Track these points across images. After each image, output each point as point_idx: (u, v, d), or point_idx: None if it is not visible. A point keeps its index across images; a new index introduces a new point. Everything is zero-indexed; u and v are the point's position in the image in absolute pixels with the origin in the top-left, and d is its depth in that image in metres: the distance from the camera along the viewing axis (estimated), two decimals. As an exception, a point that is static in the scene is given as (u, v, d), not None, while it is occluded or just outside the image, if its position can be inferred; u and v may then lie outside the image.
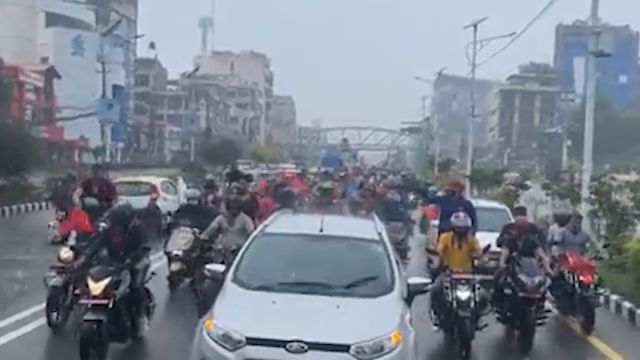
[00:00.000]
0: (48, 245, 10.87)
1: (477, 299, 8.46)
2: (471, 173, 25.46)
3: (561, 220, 11.39)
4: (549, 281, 9.50)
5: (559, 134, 62.05)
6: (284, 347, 5.58)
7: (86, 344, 7.00)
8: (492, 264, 9.65)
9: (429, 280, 7.31)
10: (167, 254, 10.79)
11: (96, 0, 69.38)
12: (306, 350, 5.57)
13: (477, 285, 8.55)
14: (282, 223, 7.78)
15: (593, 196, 13.44)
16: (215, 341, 5.82)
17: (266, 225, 7.51)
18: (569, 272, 10.31)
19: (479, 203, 14.08)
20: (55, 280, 8.51)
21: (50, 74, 48.19)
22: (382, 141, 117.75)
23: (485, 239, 10.10)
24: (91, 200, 10.30)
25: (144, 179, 18.44)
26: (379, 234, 7.20)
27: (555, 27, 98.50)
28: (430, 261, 10.54)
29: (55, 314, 8.42)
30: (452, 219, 8.98)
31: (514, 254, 9.45)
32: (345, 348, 5.61)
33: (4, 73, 35.87)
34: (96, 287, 7.31)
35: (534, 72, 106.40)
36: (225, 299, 6.39)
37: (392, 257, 6.86)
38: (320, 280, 6.46)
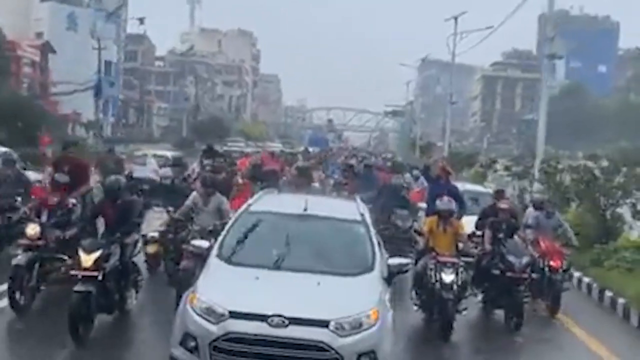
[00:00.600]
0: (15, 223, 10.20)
1: (460, 282, 8.64)
2: (448, 155, 27.70)
3: (536, 205, 11.75)
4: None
5: (535, 120, 64.14)
6: (266, 321, 5.75)
7: (75, 314, 7.07)
8: (475, 250, 9.77)
9: (408, 261, 7.37)
10: (143, 236, 10.03)
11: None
12: (287, 325, 5.74)
13: (461, 270, 8.72)
14: (267, 202, 7.94)
15: (542, 177, 15.42)
16: (198, 315, 5.96)
17: (250, 204, 7.69)
18: (539, 256, 10.50)
19: (466, 187, 14.45)
20: (20, 258, 8.09)
21: (46, 48, 49.44)
22: (366, 123, 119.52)
23: (473, 222, 10.54)
24: (62, 177, 9.57)
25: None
26: (361, 214, 7.43)
27: (537, 16, 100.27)
28: (415, 242, 10.63)
29: (19, 295, 7.92)
30: (437, 202, 9.21)
31: (500, 235, 9.66)
32: (324, 323, 5.78)
33: (4, 47, 37.23)
34: (87, 259, 7.38)
35: (517, 59, 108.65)
36: (209, 274, 6.56)
37: (373, 237, 7.07)
38: (303, 258, 6.65)
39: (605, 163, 14.89)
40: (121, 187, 8.55)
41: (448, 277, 8.49)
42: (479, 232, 10.39)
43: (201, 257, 7.10)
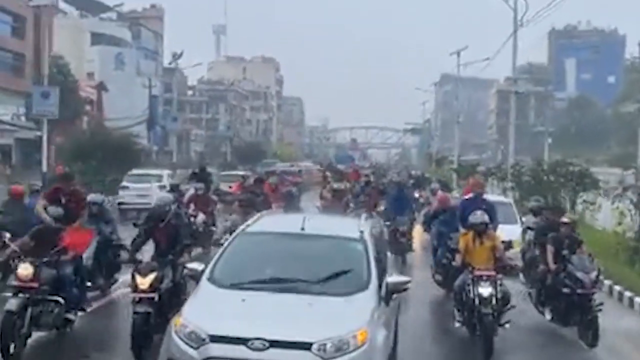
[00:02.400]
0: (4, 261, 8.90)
1: (499, 295, 8.55)
2: (457, 167, 33.27)
3: (536, 211, 12.59)
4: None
5: (542, 132, 69.35)
6: (246, 344, 5.67)
7: (137, 335, 7.37)
8: (513, 261, 9.82)
9: (408, 279, 7.16)
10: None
11: (127, 18, 77.14)
12: (267, 348, 5.63)
13: (499, 282, 8.66)
14: (265, 222, 7.86)
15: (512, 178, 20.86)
16: (181, 339, 5.92)
17: (249, 225, 7.60)
18: (539, 255, 10.53)
19: (487, 197, 15.13)
20: (11, 302, 7.53)
21: (100, 88, 55.60)
22: (388, 140, 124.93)
23: (509, 231, 11.42)
24: (57, 210, 8.84)
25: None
26: (361, 232, 7.20)
27: (547, 32, 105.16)
28: (447, 257, 10.94)
29: (11, 343, 7.37)
30: (470, 217, 9.25)
31: (565, 252, 9.51)
32: (307, 346, 5.66)
33: (74, 89, 43.33)
34: (144, 282, 7.69)
35: (531, 73, 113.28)
36: (197, 297, 6.54)
37: (370, 255, 6.88)
38: (295, 278, 6.54)
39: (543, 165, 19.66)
40: (170, 210, 8.76)
41: (486, 290, 8.45)
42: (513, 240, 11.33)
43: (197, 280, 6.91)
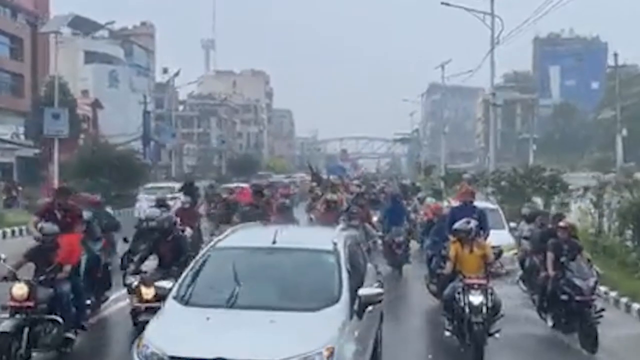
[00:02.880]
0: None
1: (490, 304, 8.43)
2: (444, 175, 34.85)
3: (529, 218, 12.67)
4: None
5: (527, 139, 71.13)
6: None
7: None
8: (503, 270, 9.70)
9: (381, 291, 6.98)
10: (128, 285, 9.54)
11: (119, 36, 78.50)
12: None
13: (490, 291, 8.54)
14: (237, 236, 7.65)
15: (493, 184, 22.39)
16: None
17: (219, 240, 7.47)
18: (539, 263, 10.66)
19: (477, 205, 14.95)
20: (6, 324, 7.42)
21: (95, 105, 56.90)
22: (377, 150, 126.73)
23: (497, 237, 11.47)
24: (52, 227, 8.50)
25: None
26: (334, 244, 6.99)
27: (532, 40, 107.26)
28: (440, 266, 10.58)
29: None
30: (456, 224, 9.16)
31: (562, 258, 9.46)
32: None
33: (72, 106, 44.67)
34: (148, 292, 8.02)
35: (516, 81, 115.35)
36: (161, 316, 6.35)
37: (343, 268, 6.70)
38: (263, 294, 6.41)
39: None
40: (171, 224, 9.09)
41: (476, 299, 8.35)
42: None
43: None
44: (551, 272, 9.53)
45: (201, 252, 7.34)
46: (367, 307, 6.53)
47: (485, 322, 8.29)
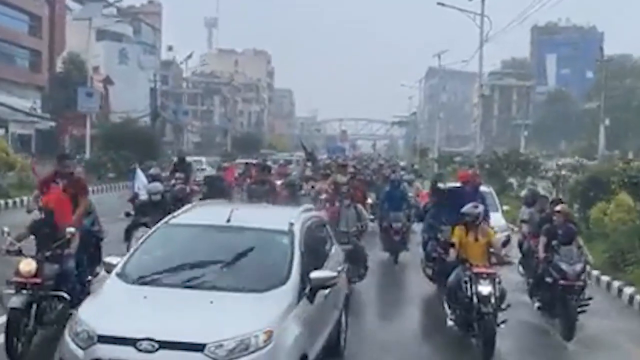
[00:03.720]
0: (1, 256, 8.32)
1: (498, 294, 8.21)
2: (437, 157, 37.62)
3: (529, 201, 12.76)
4: (587, 267, 9.43)
5: (522, 124, 73.83)
6: (134, 345, 5.27)
7: None
8: (509, 257, 9.31)
9: (333, 274, 6.70)
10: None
11: (127, 13, 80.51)
12: (156, 350, 5.24)
13: (498, 280, 8.31)
14: (192, 214, 7.41)
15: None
16: (71, 339, 5.57)
17: (174, 216, 7.20)
18: (535, 246, 10.61)
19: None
20: (15, 300, 7.27)
21: (107, 81, 59.24)
22: (376, 131, 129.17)
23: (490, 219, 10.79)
24: None
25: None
26: (290, 224, 6.76)
27: (530, 29, 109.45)
28: (436, 250, 10.53)
29: (17, 342, 7.13)
30: (464, 208, 8.78)
31: (554, 242, 9.38)
32: (199, 347, 5.25)
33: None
34: None
35: (514, 68, 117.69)
36: (99, 293, 6.18)
37: (296, 249, 6.48)
38: (208, 274, 6.12)
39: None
40: (186, 194, 9.48)
41: (485, 289, 8.05)
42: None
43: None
44: (541, 255, 9.51)
45: (152, 229, 7.05)
46: (318, 290, 6.31)
47: (494, 312, 8.06)
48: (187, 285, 6.01)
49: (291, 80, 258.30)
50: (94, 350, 5.43)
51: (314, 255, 6.91)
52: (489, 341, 7.98)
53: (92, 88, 35.05)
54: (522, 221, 12.68)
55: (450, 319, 8.62)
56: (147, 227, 9.99)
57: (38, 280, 7.44)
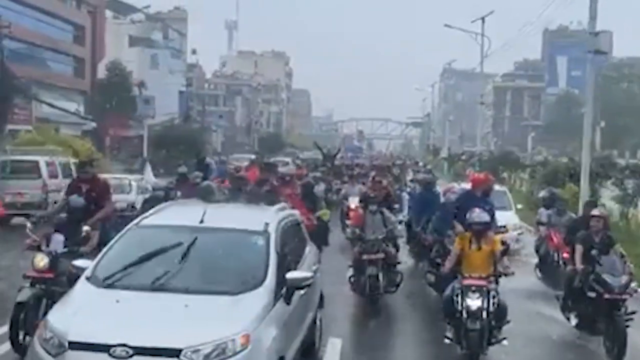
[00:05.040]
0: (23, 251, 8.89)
1: (492, 308, 7.61)
2: (447, 156, 41.77)
3: (547, 202, 12.65)
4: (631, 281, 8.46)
5: (531, 126, 77.51)
6: (108, 352, 5.14)
7: None
8: (510, 269, 8.32)
9: (309, 275, 6.60)
10: None
11: (155, 19, 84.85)
12: (131, 356, 5.12)
13: (493, 293, 7.69)
14: (164, 214, 7.20)
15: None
16: (41, 345, 5.41)
17: (145, 217, 7.02)
18: (553, 250, 11.07)
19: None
20: (24, 294, 7.45)
21: (141, 86, 63.63)
22: (392, 132, 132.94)
23: (502, 217, 11.34)
24: (77, 200, 8.63)
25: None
26: (266, 224, 6.62)
27: (542, 32, 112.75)
28: (441, 256, 9.90)
29: (22, 335, 7.26)
30: (469, 215, 8.20)
31: (593, 252, 8.59)
32: (175, 353, 5.14)
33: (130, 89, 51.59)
34: None
35: (526, 69, 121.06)
36: (69, 298, 5.97)
37: (272, 250, 6.34)
38: (182, 277, 5.95)
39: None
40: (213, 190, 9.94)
41: (474, 303, 7.53)
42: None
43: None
44: (579, 266, 8.67)
45: (123, 230, 6.84)
46: (294, 291, 6.24)
47: (483, 329, 7.52)
48: (160, 288, 5.85)
49: (308, 80, 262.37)
50: (65, 357, 5.25)
51: (290, 255, 6.79)
52: (472, 359, 7.59)
53: (150, 95, 39.34)
54: (539, 223, 12.39)
55: (447, 337, 8.00)
56: None
57: (51, 275, 7.64)
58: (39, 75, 41.58)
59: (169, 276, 5.98)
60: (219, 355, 5.27)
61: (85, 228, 8.24)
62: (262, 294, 5.92)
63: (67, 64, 52.85)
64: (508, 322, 8.02)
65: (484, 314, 7.62)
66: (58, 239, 8.07)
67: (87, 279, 6.15)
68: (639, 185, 18.16)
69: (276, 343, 5.74)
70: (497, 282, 8.17)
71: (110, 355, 5.18)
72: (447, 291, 8.12)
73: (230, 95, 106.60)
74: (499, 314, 7.83)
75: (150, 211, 7.31)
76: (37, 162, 19.48)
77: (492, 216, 8.96)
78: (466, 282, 7.84)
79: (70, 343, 5.30)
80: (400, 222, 13.29)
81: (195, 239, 6.35)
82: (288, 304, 6.21)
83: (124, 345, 5.19)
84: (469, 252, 8.13)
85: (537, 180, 23.40)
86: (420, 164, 37.58)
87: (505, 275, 8.28)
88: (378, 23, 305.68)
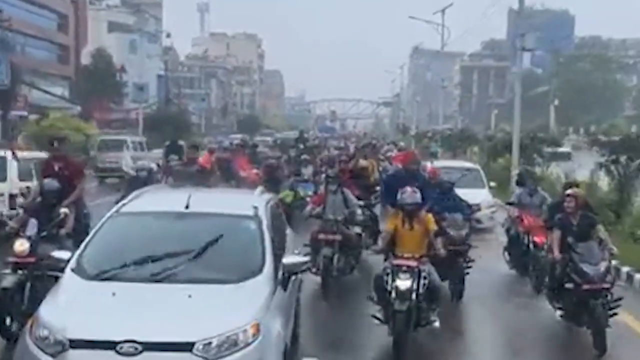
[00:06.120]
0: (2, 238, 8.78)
1: (422, 290, 7.35)
2: (414, 134, 45.47)
3: (519, 181, 12.11)
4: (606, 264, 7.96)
5: (493, 104, 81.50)
6: (114, 349, 4.85)
7: None
8: (443, 251, 7.95)
9: (306, 259, 6.53)
10: None
11: (131, 4, 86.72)
12: (140, 352, 4.85)
13: (424, 275, 7.40)
14: (144, 200, 6.94)
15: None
16: (35, 344, 5.05)
17: (124, 203, 6.71)
18: (523, 232, 10.46)
19: (452, 164, 17.15)
20: (8, 279, 7.33)
21: (122, 71, 65.98)
22: (364, 111, 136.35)
23: (476, 195, 11.24)
24: (51, 183, 8.32)
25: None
26: (255, 208, 6.40)
27: (507, 12, 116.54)
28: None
29: (9, 321, 7.24)
30: (400, 195, 7.89)
31: (570, 239, 8.13)
32: (188, 347, 4.91)
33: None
34: None
35: (493, 49, 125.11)
36: (58, 292, 5.63)
37: (265, 234, 6.14)
38: (175, 265, 5.65)
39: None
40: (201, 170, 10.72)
41: (403, 283, 7.23)
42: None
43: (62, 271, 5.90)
44: (556, 254, 8.26)
45: (103, 218, 6.51)
46: (290, 277, 6.17)
47: (410, 310, 7.27)
48: (157, 278, 5.54)
49: (279, 61, 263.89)
50: (66, 356, 4.94)
51: (278, 240, 6.59)
52: (397, 343, 7.26)
53: (143, 82, 42.49)
54: (509, 203, 11.86)
55: (375, 317, 7.74)
56: None
57: (32, 260, 7.50)
58: (30, 63, 44.03)
59: (164, 266, 5.66)
60: (231, 346, 5.04)
61: (63, 210, 8.22)
62: (264, 281, 5.75)
63: (52, 52, 55.21)
64: (438, 306, 7.82)
65: (413, 295, 7.33)
66: (32, 224, 7.97)
67: (73, 270, 5.80)
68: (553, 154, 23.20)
69: (282, 331, 5.67)
70: (432, 263, 7.85)
71: (117, 352, 4.88)
72: (379, 271, 7.87)
73: (205, 78, 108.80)
74: (431, 296, 7.59)
75: (129, 197, 7.03)
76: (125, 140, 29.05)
77: (422, 193, 8.31)
78: (396, 261, 7.59)
79: (71, 341, 4.93)
80: (374, 205, 12.82)
81: (183, 225, 6.22)
82: (285, 290, 6.13)
83: (132, 341, 4.87)
84: (402, 232, 7.90)
85: (485, 152, 27.16)
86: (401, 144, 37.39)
87: (438, 256, 7.97)
88: (349, 5, 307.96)
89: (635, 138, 16.86)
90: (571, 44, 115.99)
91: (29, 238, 7.74)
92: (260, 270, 5.81)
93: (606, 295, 7.87)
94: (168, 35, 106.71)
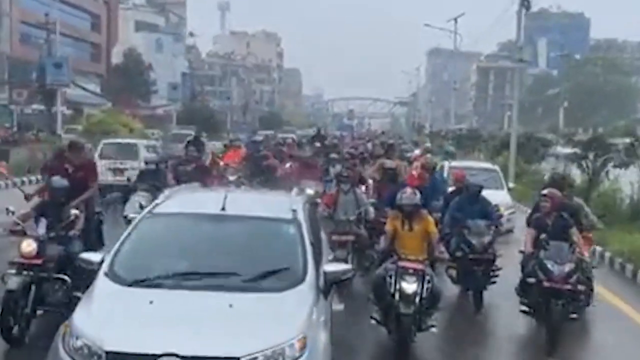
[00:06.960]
0: (5, 236, 8.41)
1: (426, 294, 7.26)
2: (429, 133, 47.89)
3: (547, 183, 10.80)
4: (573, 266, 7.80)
5: (507, 104, 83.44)
6: None
7: None
8: (444, 253, 8.07)
9: (349, 267, 6.27)
10: (124, 217, 10.75)
11: (156, 4, 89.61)
12: None
13: (428, 278, 7.32)
14: (178, 200, 6.62)
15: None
16: (68, 354, 4.82)
17: (157, 204, 6.42)
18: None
19: (472, 164, 16.67)
20: (13, 281, 7.03)
21: (150, 69, 68.81)
22: (381, 110, 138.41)
23: (495, 197, 11.00)
24: (59, 181, 7.96)
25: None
26: (293, 211, 6.14)
27: (524, 14, 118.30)
28: (461, 248, 9.24)
29: (13, 324, 6.97)
30: (399, 195, 7.86)
31: (543, 236, 8.12)
32: None
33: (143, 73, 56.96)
34: None
35: (510, 50, 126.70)
36: (92, 298, 5.33)
37: (306, 240, 5.87)
38: (214, 271, 5.43)
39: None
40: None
41: (409, 286, 7.13)
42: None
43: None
44: (528, 249, 8.33)
45: (136, 219, 6.27)
46: (333, 285, 5.83)
47: (415, 314, 7.18)
48: (195, 286, 5.26)
49: (298, 60, 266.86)
50: None
51: (316, 246, 6.24)
52: (402, 345, 7.20)
53: (176, 82, 45.14)
54: (528, 223, 10.59)
55: (373, 318, 7.57)
56: (144, 191, 11.71)
57: (39, 261, 7.23)
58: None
59: (202, 272, 5.44)
60: None
61: (74, 211, 7.88)
62: (307, 291, 5.43)
63: (85, 50, 58.14)
64: (439, 309, 7.71)
65: (417, 299, 7.20)
66: (42, 223, 7.65)
67: (106, 274, 5.52)
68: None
69: (328, 345, 5.29)
70: (432, 267, 7.76)
71: None
72: (379, 270, 7.68)
73: (225, 76, 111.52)
74: (432, 300, 7.42)
75: (161, 197, 6.72)
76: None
77: (424, 201, 8.32)
78: (403, 264, 7.38)
79: (107, 353, 4.67)
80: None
81: (219, 228, 5.96)
82: (326, 299, 5.80)
83: (173, 354, 4.59)
84: (401, 233, 7.78)
85: (488, 151, 29.67)
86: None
87: (441, 260, 7.99)
88: (368, 6, 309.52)
89: (601, 137, 19.31)
90: (586, 46, 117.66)
91: (37, 238, 7.39)
92: (302, 279, 5.51)
93: (569, 298, 7.78)
94: (191, 34, 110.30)
